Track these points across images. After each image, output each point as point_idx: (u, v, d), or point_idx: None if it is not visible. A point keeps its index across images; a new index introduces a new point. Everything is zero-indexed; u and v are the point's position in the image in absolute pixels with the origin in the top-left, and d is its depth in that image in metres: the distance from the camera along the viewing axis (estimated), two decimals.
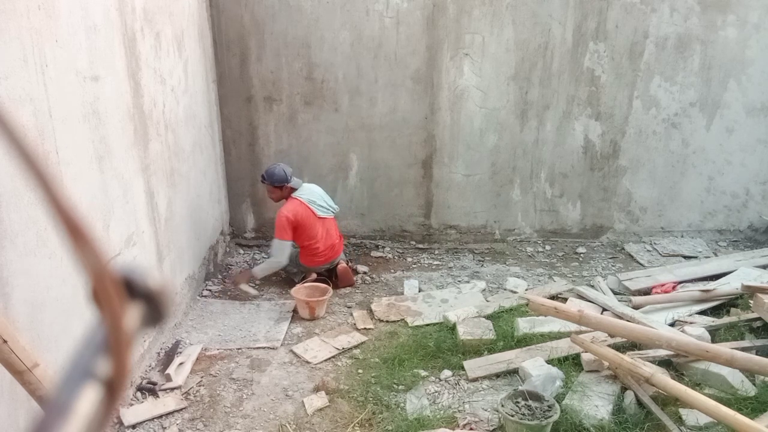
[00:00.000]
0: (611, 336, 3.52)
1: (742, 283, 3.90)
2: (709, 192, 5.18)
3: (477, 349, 3.73)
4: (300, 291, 4.27)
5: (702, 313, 3.94)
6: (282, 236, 4.36)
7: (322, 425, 3.18)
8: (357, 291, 4.62)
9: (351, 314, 4.27)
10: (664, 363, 3.41)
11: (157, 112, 3.70)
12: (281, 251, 4.39)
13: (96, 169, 2.95)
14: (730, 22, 4.70)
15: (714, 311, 3.97)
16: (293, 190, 4.50)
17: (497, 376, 3.53)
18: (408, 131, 5.01)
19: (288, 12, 4.69)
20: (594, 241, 5.32)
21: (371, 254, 5.19)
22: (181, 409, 3.29)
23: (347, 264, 4.73)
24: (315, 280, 4.58)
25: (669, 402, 3.11)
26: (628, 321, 3.67)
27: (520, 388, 3.22)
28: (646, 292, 4.31)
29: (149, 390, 3.39)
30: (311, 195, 4.52)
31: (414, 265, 5.04)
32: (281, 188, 4.49)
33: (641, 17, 4.69)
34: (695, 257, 4.95)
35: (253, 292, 4.51)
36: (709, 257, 4.92)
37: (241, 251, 5.29)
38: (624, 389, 3.22)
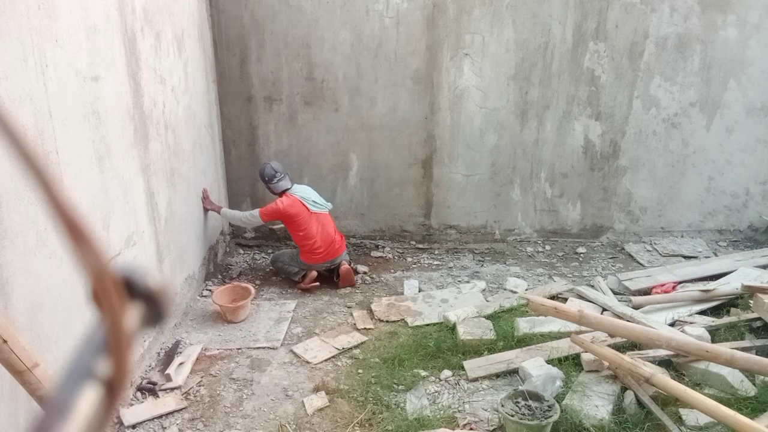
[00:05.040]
0: (611, 336, 3.52)
1: (742, 283, 3.91)
2: (709, 192, 5.18)
3: (477, 349, 3.73)
4: (220, 296, 4.23)
5: (702, 313, 3.94)
6: (263, 214, 4.54)
7: (322, 425, 3.18)
8: (357, 291, 4.62)
9: (351, 314, 4.27)
10: (664, 363, 3.41)
11: (157, 112, 3.70)
12: (250, 222, 4.73)
13: (96, 169, 2.95)
14: (730, 22, 4.70)
15: (714, 311, 3.97)
16: (285, 191, 4.58)
17: (497, 376, 3.53)
18: (408, 131, 5.01)
19: (288, 12, 4.69)
20: (594, 241, 5.32)
21: (371, 254, 5.19)
22: (181, 409, 3.29)
23: (350, 265, 4.73)
24: (315, 279, 4.60)
25: (669, 402, 3.11)
26: (628, 321, 3.67)
27: (520, 388, 3.22)
28: (646, 292, 4.31)
29: (149, 390, 3.40)
30: (304, 192, 4.63)
31: (414, 265, 5.04)
32: (269, 187, 4.62)
33: (641, 17, 4.69)
34: (695, 257, 4.95)
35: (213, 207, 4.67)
36: (709, 257, 4.92)
37: (241, 251, 5.29)
38: (624, 389, 3.22)
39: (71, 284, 2.68)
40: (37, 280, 2.47)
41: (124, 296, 0.43)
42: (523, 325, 3.88)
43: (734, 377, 3.23)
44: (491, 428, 3.13)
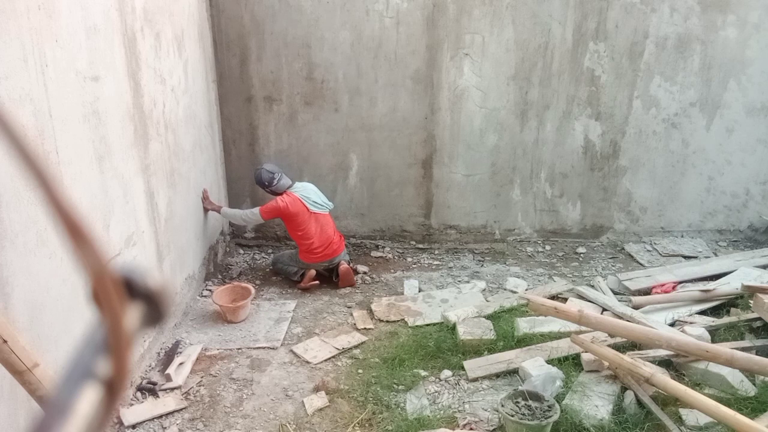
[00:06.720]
0: (611, 336, 3.52)
1: (742, 283, 3.90)
2: (709, 192, 5.18)
3: (477, 349, 3.73)
4: (220, 296, 4.22)
5: (702, 313, 3.94)
6: (263, 212, 4.53)
7: (322, 425, 3.18)
8: (357, 291, 4.62)
9: (351, 314, 4.27)
10: (664, 363, 3.41)
11: (157, 112, 3.70)
12: (251, 221, 4.72)
13: (96, 169, 2.95)
14: (730, 22, 4.70)
15: (714, 311, 3.97)
16: (284, 190, 4.57)
17: (497, 376, 3.53)
18: (408, 131, 5.01)
19: (288, 12, 4.69)
20: (594, 241, 5.32)
21: (371, 254, 5.19)
22: (181, 409, 3.29)
23: (349, 265, 4.73)
24: (314, 278, 4.60)
25: (669, 402, 3.11)
26: (628, 321, 3.67)
27: (520, 388, 3.22)
28: (646, 292, 4.31)
29: (149, 390, 3.40)
30: (305, 191, 4.60)
31: (414, 265, 5.04)
32: (271, 190, 4.60)
33: (641, 17, 4.69)
34: (695, 257, 4.95)
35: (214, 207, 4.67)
36: (709, 257, 4.92)
37: (241, 251, 5.29)
38: (624, 389, 3.22)
39: (71, 284, 2.68)
40: (37, 280, 2.47)
41: (124, 296, 0.43)
42: (523, 325, 3.88)
43: (734, 377, 3.23)
44: (491, 428, 3.13)
